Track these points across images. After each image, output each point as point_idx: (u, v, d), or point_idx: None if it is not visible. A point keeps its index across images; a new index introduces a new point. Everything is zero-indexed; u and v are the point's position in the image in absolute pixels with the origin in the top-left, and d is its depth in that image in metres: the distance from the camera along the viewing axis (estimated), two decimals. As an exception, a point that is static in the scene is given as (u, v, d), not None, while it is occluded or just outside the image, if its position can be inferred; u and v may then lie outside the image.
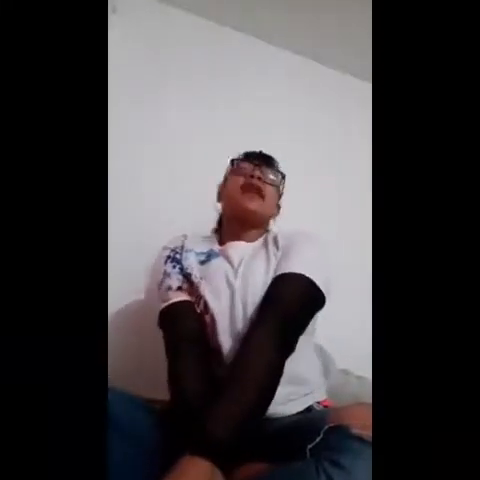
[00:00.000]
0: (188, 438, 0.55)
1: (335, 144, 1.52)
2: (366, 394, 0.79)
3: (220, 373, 0.73)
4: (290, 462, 0.53)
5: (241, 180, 0.85)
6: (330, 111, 1.52)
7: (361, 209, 1.26)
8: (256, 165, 0.86)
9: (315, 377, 0.81)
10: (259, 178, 0.85)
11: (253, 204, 0.83)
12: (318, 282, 0.73)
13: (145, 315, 1.07)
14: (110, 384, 0.47)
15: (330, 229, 1.44)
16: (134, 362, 1.00)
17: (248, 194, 0.84)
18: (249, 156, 0.91)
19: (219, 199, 0.95)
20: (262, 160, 0.89)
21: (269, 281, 0.76)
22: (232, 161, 0.92)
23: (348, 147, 1.52)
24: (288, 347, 0.69)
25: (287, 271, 0.74)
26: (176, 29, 1.34)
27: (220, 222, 0.99)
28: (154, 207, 1.20)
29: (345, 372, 1.05)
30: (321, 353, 0.92)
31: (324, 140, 1.50)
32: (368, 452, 0.46)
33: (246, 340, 0.68)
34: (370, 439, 0.47)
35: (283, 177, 0.91)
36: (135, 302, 1.09)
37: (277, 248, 0.83)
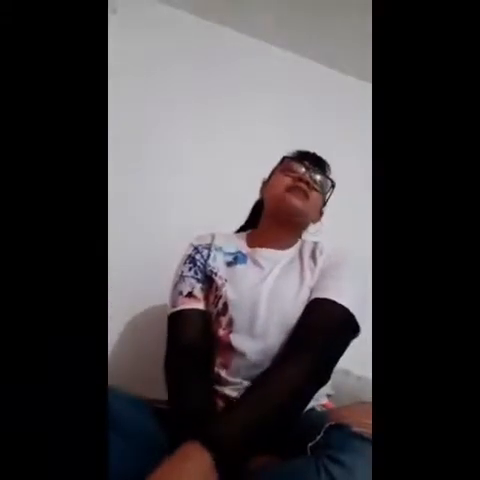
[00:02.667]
0: (198, 428, 0.56)
1: (335, 144, 1.52)
2: (366, 394, 0.79)
3: (224, 374, 0.73)
4: (291, 460, 0.53)
5: (288, 180, 0.84)
6: (330, 111, 1.52)
7: (361, 209, 1.26)
8: (307, 168, 0.85)
9: (324, 389, 0.78)
10: (307, 183, 0.83)
11: (298, 202, 0.82)
12: (357, 315, 0.70)
13: (146, 315, 1.07)
14: (110, 384, 0.47)
15: (329, 229, 1.43)
16: (134, 362, 1.00)
17: (294, 193, 0.82)
18: (302, 156, 0.88)
19: (261, 195, 0.93)
20: (314, 163, 0.87)
21: (302, 297, 0.74)
22: (283, 158, 0.90)
23: (348, 147, 1.52)
24: (322, 379, 0.68)
25: (328, 297, 0.70)
26: (176, 29, 1.34)
27: (250, 220, 0.97)
28: (155, 207, 1.20)
29: (345, 372, 1.05)
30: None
31: (324, 140, 1.50)
32: (369, 450, 0.46)
33: (278, 365, 0.66)
34: (371, 437, 0.47)
35: (333, 186, 0.89)
36: (136, 302, 1.09)
37: (314, 262, 0.80)
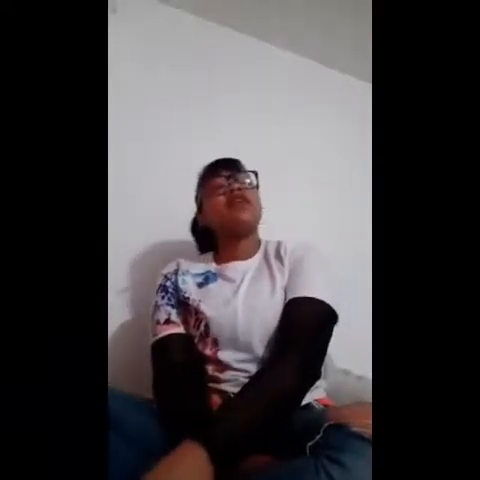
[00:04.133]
0: (190, 428, 0.56)
1: (335, 144, 1.52)
2: (366, 394, 0.79)
3: (220, 376, 0.75)
4: (290, 459, 0.53)
5: (221, 199, 0.83)
6: (330, 111, 1.52)
7: (361, 210, 1.26)
8: (227, 177, 0.84)
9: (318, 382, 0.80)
10: (239, 189, 0.83)
11: (245, 214, 0.83)
12: (332, 303, 0.72)
13: (145, 315, 1.07)
14: (110, 384, 0.47)
15: (330, 229, 1.44)
16: (134, 362, 1.00)
17: (236, 206, 0.82)
18: (213, 169, 0.88)
19: (199, 223, 0.94)
20: (229, 168, 0.87)
21: (278, 299, 0.76)
22: (200, 183, 0.90)
23: (348, 148, 1.52)
24: (315, 374, 0.69)
25: (302, 295, 0.73)
26: (176, 29, 1.34)
27: (202, 243, 0.99)
28: (155, 207, 1.20)
29: (345, 372, 1.05)
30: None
31: (324, 140, 1.51)
32: (369, 450, 0.46)
33: (268, 369, 0.67)
34: (371, 437, 0.47)
35: (256, 175, 0.88)
36: (135, 302, 1.09)
37: (281, 262, 0.82)
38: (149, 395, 0.74)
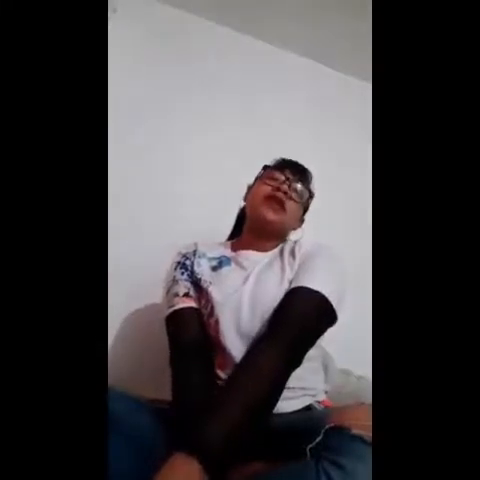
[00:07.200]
0: (183, 437, 0.56)
1: (335, 144, 1.52)
2: (366, 394, 0.79)
3: (223, 375, 0.74)
4: (289, 462, 0.53)
5: (267, 190, 0.85)
6: (330, 111, 1.52)
7: (361, 209, 1.26)
8: (287, 178, 0.85)
9: (318, 383, 0.81)
10: (285, 193, 0.84)
11: (273, 215, 0.83)
12: (333, 300, 0.72)
13: (145, 315, 1.07)
14: (110, 384, 0.46)
15: (330, 230, 1.44)
16: (134, 362, 1.00)
17: (270, 204, 0.83)
18: (283, 166, 0.89)
19: (245, 201, 0.95)
20: (295, 173, 0.88)
21: (283, 290, 0.76)
22: (265, 167, 0.92)
23: (348, 147, 1.52)
24: (295, 361, 0.69)
25: (303, 285, 0.73)
26: (176, 29, 1.34)
27: (236, 227, 0.99)
28: (155, 207, 1.20)
29: (345, 372, 1.05)
30: (322, 353, 0.92)
31: (324, 140, 1.51)
32: (369, 453, 0.46)
33: (254, 350, 0.68)
34: (371, 440, 0.47)
35: (311, 196, 0.90)
36: (136, 302, 1.09)
37: (293, 257, 0.82)
38: (149, 395, 0.74)
